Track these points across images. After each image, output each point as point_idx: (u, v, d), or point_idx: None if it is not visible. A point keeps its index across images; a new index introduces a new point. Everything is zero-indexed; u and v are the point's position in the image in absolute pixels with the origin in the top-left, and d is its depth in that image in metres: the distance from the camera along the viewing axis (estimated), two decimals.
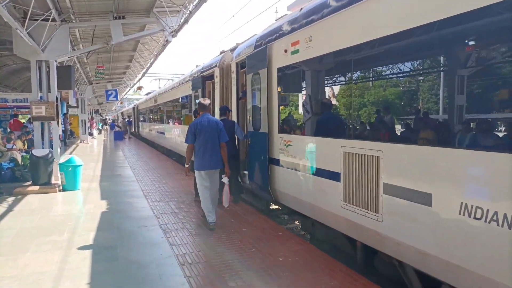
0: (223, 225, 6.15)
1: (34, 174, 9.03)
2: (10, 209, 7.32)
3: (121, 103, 46.53)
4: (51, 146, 9.75)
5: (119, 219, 6.55)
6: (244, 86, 8.38)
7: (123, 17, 10.05)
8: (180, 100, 14.85)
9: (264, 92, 6.48)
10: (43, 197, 8.39)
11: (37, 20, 8.52)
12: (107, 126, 41.93)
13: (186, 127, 13.20)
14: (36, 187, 8.84)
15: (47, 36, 9.08)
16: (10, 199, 8.17)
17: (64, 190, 9.07)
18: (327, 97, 5.05)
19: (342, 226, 4.67)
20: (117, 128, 36.71)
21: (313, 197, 5.21)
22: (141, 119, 31.34)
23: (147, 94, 41.80)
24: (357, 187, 4.26)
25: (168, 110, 18.42)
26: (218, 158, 6.07)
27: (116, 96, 24.62)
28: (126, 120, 38.25)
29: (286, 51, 5.73)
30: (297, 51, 5.47)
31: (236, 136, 7.54)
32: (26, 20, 7.77)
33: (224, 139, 6.08)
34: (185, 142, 6.18)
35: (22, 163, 11.21)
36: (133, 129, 36.84)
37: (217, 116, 9.53)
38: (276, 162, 6.20)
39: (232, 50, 9.89)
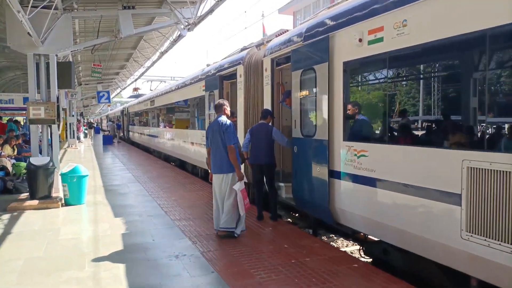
0: (278, 250, 5.05)
1: (32, 185, 7.74)
2: (7, 231, 6.05)
3: (108, 105, 44.77)
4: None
5: (146, 244, 5.38)
6: (281, 85, 7.35)
7: (133, 7, 8.87)
8: (187, 102, 13.67)
9: (322, 91, 5.44)
10: (44, 214, 7.12)
11: (37, 7, 7.27)
12: (92, 130, 40.12)
13: (198, 132, 12.20)
14: (35, 202, 7.56)
15: (48, 26, 7.85)
16: (5, 217, 6.88)
17: (67, 204, 7.81)
18: (435, 95, 4.04)
19: (460, 261, 3.65)
20: (106, 132, 35.01)
21: (406, 223, 4.17)
22: (132, 122, 29.86)
23: (133, 96, 40.18)
24: (491, 213, 3.25)
25: (170, 113, 17.19)
26: (222, 161, 5.60)
27: (108, 98, 23.18)
28: (115, 123, 36.58)
29: (360, 40, 4.71)
30: (379, 40, 4.46)
31: (270, 143, 6.53)
32: (28, 7, 6.52)
33: (228, 142, 5.46)
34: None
35: (14, 172, 9.86)
36: (122, 133, 35.24)
37: (242, 119, 8.46)
38: (341, 176, 5.16)
39: (258, 45, 8.85)
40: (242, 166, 7.03)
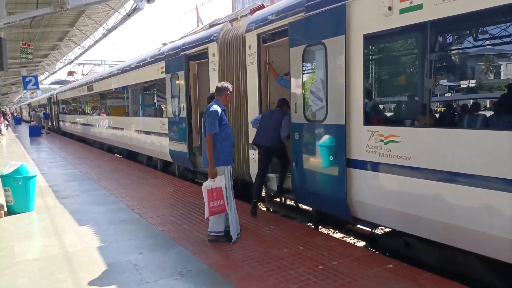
0: (295, 254, 4.35)
1: None
2: None
3: (32, 93, 40.01)
4: None
5: (136, 260, 4.36)
6: (268, 64, 6.56)
7: None
8: (140, 87, 12.24)
9: (335, 69, 4.75)
10: None
11: None
12: (6, 121, 35.05)
13: (156, 120, 10.89)
14: None
15: None
16: None
17: (11, 212, 6.37)
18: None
19: None
20: (33, 123, 31.29)
21: (453, 216, 3.69)
22: (64, 111, 26.95)
23: (57, 82, 36.04)
24: None
25: (116, 99, 15.47)
26: (203, 153, 5.07)
27: (36, 83, 20.42)
28: (42, 112, 32.84)
29: (390, 8, 4.07)
30: (417, 7, 3.85)
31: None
32: None
33: (206, 131, 4.91)
34: None
35: None
36: (51, 123, 31.76)
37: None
38: (361, 165, 4.56)
39: (232, 21, 7.92)
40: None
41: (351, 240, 6.29)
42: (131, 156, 14.20)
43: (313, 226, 5.94)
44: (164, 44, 10.82)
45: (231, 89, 5.12)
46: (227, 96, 5.09)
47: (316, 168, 5.17)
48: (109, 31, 12.06)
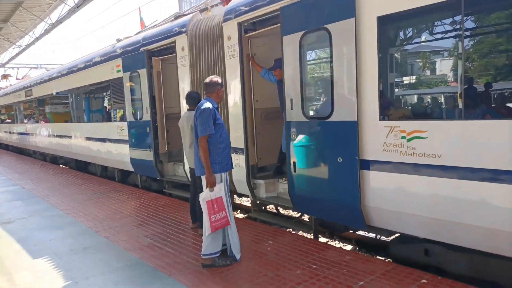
0: (313, 276, 3.66)
1: None
2: None
3: None
4: None
5: None
6: (251, 57, 5.83)
7: None
8: (91, 88, 10.95)
9: (343, 58, 4.14)
10: None
11: None
12: None
13: (113, 126, 9.64)
14: None
15: None
16: None
17: None
18: None
19: None
20: None
21: (501, 220, 3.21)
22: None
23: None
24: None
25: (61, 104, 13.89)
26: (198, 160, 4.27)
27: None
28: None
29: None
30: None
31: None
32: None
33: (198, 132, 4.16)
34: None
35: None
36: None
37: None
38: (379, 166, 3.98)
39: (202, 11, 7.09)
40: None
41: (336, 243, 5.73)
42: (80, 166, 12.77)
43: (312, 237, 5.30)
44: (119, 40, 9.69)
45: (221, 83, 4.35)
46: (219, 92, 4.32)
47: (320, 173, 4.53)
48: (53, 26, 10.59)
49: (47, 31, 11.16)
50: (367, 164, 4.07)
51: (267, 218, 6.01)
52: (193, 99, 5.28)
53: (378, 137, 3.94)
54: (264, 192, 5.79)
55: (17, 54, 15.42)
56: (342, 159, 4.25)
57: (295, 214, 6.80)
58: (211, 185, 4.11)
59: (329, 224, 5.34)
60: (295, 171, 4.86)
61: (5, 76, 21.15)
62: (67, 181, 9.95)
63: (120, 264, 4.26)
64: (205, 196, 4.12)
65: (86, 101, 11.89)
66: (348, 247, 5.74)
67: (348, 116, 4.14)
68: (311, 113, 4.62)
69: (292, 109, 4.82)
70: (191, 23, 6.74)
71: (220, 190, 4.16)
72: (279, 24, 5.00)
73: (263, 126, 6.08)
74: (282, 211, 7.03)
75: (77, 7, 9.12)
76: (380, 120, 3.92)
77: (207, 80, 4.37)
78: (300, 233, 5.53)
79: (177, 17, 7.67)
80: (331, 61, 4.26)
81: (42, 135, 15.20)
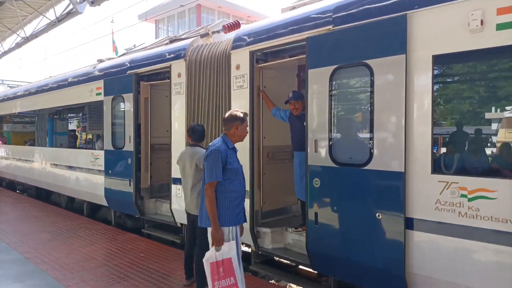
0: None
1: None
2: None
3: None
4: None
5: None
6: (261, 91, 5.24)
7: None
8: (63, 111, 9.91)
9: (388, 99, 3.60)
10: None
11: None
12: None
13: (86, 154, 8.57)
14: None
15: None
16: None
17: None
18: None
19: None
20: None
21: None
22: None
23: None
24: None
25: (22, 124, 12.63)
26: (202, 208, 3.69)
27: None
28: None
29: (482, 22, 3.09)
30: None
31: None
32: None
33: (206, 178, 3.54)
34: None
35: None
36: None
37: (181, 138, 5.94)
38: (430, 227, 3.39)
39: (203, 36, 6.48)
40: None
41: None
42: (41, 194, 11.42)
43: None
44: (100, 61, 8.85)
45: (242, 117, 3.68)
46: (237, 129, 3.64)
47: (352, 229, 3.87)
48: (27, 39, 9.56)
49: (18, 45, 10.10)
50: (415, 224, 3.47)
51: (275, 274, 5.22)
52: (198, 132, 4.58)
53: (430, 193, 3.38)
54: (269, 243, 5.05)
55: None
56: (382, 216, 3.63)
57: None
58: (218, 242, 3.38)
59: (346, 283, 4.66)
60: (316, 223, 4.18)
61: None
62: (26, 214, 8.68)
63: None
64: (209, 256, 3.39)
65: (54, 123, 10.78)
66: None
67: (392, 166, 3.57)
68: (342, 158, 4.00)
69: (316, 151, 4.20)
70: (191, 48, 6.11)
71: (230, 250, 3.43)
72: (303, 56, 4.48)
73: (269, 166, 5.41)
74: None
75: (58, 21, 8.23)
76: (433, 173, 3.37)
77: (226, 114, 3.74)
78: None
79: (172, 40, 7.01)
80: (371, 101, 3.72)
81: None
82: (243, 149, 5.13)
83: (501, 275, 3.05)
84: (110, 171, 7.60)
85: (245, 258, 6.58)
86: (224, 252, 3.37)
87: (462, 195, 3.21)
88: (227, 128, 3.66)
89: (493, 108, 3.31)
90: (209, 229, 3.52)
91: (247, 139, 5.07)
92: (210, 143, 3.64)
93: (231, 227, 3.50)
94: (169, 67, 6.36)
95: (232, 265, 3.38)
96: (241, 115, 3.69)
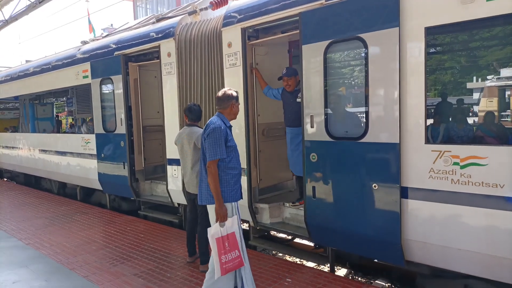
0: None
1: None
2: None
3: None
4: None
5: None
6: (254, 69, 5.24)
7: None
8: (42, 96, 9.72)
9: (382, 72, 3.67)
10: None
11: None
12: None
13: (75, 138, 8.47)
14: None
15: None
16: None
17: None
18: None
19: None
20: None
21: None
22: None
23: None
24: None
25: (6, 111, 12.36)
26: (203, 186, 3.66)
27: None
28: None
29: None
30: None
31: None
32: None
33: (208, 156, 3.55)
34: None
35: None
36: None
37: (173, 118, 5.96)
38: (424, 195, 3.53)
39: (192, 13, 6.38)
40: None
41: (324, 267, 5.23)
42: (30, 181, 11.32)
43: (328, 269, 4.75)
44: (85, 43, 8.64)
45: (237, 96, 3.72)
46: (233, 107, 3.69)
47: (349, 200, 4.00)
48: (6, 22, 9.23)
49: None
50: (410, 193, 3.61)
51: (273, 247, 5.37)
52: (195, 112, 4.59)
53: (424, 163, 3.50)
54: (268, 218, 5.18)
55: None
56: (378, 186, 3.76)
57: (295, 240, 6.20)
58: (223, 218, 3.47)
59: (343, 253, 4.85)
60: (314, 197, 4.31)
61: None
62: (19, 201, 8.63)
63: None
64: (214, 232, 3.46)
65: (39, 108, 10.60)
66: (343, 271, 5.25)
67: (387, 137, 3.67)
68: (338, 132, 4.09)
69: (312, 127, 4.28)
70: (180, 26, 6.03)
71: (232, 224, 3.54)
72: (295, 32, 4.50)
73: (264, 144, 5.48)
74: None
75: (39, 2, 7.95)
76: (426, 143, 3.49)
77: (220, 93, 3.73)
78: (313, 265, 4.97)
79: (159, 19, 6.88)
80: (366, 74, 3.78)
81: None
82: (239, 127, 5.19)
83: (491, 237, 3.22)
84: (102, 155, 7.57)
85: (243, 234, 6.73)
86: (228, 227, 3.47)
87: (455, 163, 3.35)
88: (223, 107, 3.68)
89: (483, 78, 3.42)
90: (211, 206, 3.60)
91: (242, 117, 5.14)
92: (208, 122, 3.66)
93: (233, 203, 3.59)
94: (158, 46, 6.27)
95: (236, 239, 3.49)
96: (235, 93, 3.73)
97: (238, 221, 3.64)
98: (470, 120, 3.56)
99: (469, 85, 3.48)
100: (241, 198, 3.75)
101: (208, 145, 3.51)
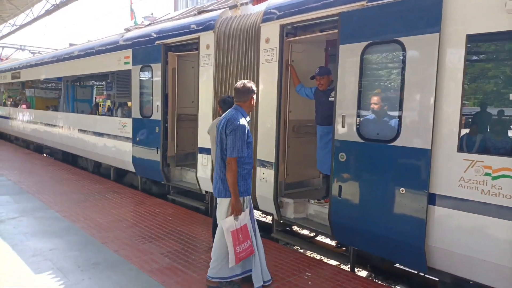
0: None
1: None
2: None
3: None
4: None
5: None
6: (290, 65, 5.31)
7: None
8: (91, 79, 10.19)
9: (417, 75, 3.66)
10: None
11: None
12: None
13: (114, 121, 8.89)
14: None
15: None
16: None
17: None
18: None
19: None
20: None
21: None
22: None
23: None
24: None
25: (54, 91, 13.01)
26: (217, 179, 3.73)
27: None
28: None
29: None
30: None
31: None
32: None
33: (229, 152, 3.59)
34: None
35: None
36: None
37: (207, 109, 6.12)
38: (452, 203, 3.51)
39: (232, 7, 6.52)
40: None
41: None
42: (68, 159, 11.91)
43: (348, 269, 4.80)
44: (128, 30, 8.99)
45: (255, 90, 3.84)
46: (252, 101, 3.82)
47: (375, 203, 4.03)
48: (57, 6, 9.74)
49: (48, 12, 10.27)
50: (437, 200, 3.60)
51: (295, 242, 5.47)
52: (229, 104, 4.69)
53: (454, 171, 3.48)
54: (292, 213, 5.27)
55: (9, 33, 14.31)
56: (405, 190, 3.77)
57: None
58: (238, 212, 3.61)
59: (365, 255, 4.88)
60: (340, 196, 4.36)
61: None
62: (58, 176, 9.13)
63: None
64: (229, 225, 3.60)
65: (83, 90, 11.12)
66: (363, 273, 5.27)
67: (419, 143, 3.67)
68: (369, 133, 4.12)
69: (343, 126, 4.32)
70: (220, 19, 6.17)
71: (245, 217, 3.70)
72: (334, 31, 4.54)
73: (294, 140, 5.57)
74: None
75: None
76: (458, 151, 3.47)
77: (239, 85, 3.78)
78: (334, 263, 5.02)
79: (200, 11, 7.07)
80: (402, 78, 3.79)
81: (30, 122, 14.18)
82: (270, 122, 5.30)
83: None
84: (137, 139, 7.89)
85: (262, 227, 6.86)
86: (241, 220, 3.62)
87: (486, 174, 3.31)
88: (243, 100, 3.74)
89: None
90: (221, 200, 3.71)
91: (274, 112, 5.24)
92: (229, 116, 3.67)
93: (246, 197, 3.72)
94: (198, 38, 6.46)
95: (248, 231, 3.66)
96: (255, 87, 3.84)
97: (251, 213, 3.78)
98: (509, 133, 3.49)
99: (506, 97, 3.42)
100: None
101: (231, 141, 3.55)
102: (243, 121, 3.64)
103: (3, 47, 25.00)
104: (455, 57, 3.45)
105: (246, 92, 3.75)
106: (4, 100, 17.43)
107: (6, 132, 17.22)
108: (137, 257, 4.43)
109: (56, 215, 5.94)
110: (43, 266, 4.09)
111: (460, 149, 3.46)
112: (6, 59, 22.84)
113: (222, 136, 3.66)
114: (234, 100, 3.89)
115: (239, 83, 3.81)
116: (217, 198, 3.78)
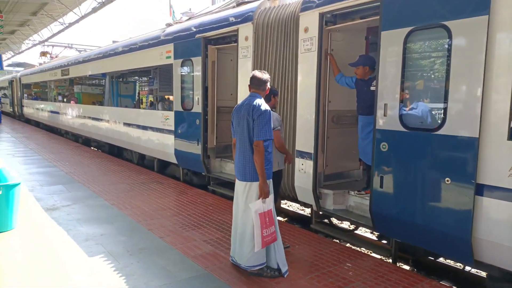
0: None
1: None
2: None
3: None
4: None
5: None
6: (329, 55, 5.26)
7: None
8: (134, 73, 10.58)
9: (464, 61, 3.52)
10: None
11: None
12: None
13: (157, 114, 9.26)
14: None
15: None
16: None
17: None
18: None
19: None
20: None
21: None
22: (30, 96, 24.26)
23: (15, 64, 32.09)
24: None
25: (99, 86, 13.63)
26: (245, 163, 3.79)
27: (0, 63, 17.98)
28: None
29: None
30: None
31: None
32: None
33: (256, 135, 3.69)
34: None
35: None
36: (12, 108, 28.75)
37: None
38: (501, 194, 3.37)
39: None
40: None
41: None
42: (113, 151, 12.48)
43: (390, 261, 4.73)
44: (169, 25, 9.24)
45: (269, 79, 4.01)
46: (267, 90, 4.01)
47: (418, 193, 3.94)
48: (103, 4, 10.19)
49: (94, 10, 10.76)
50: (485, 190, 3.47)
51: (334, 234, 5.46)
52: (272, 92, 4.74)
53: (504, 160, 3.33)
54: (331, 204, 5.25)
55: (59, 32, 15.14)
56: (451, 181, 3.65)
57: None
58: (266, 194, 3.69)
59: (407, 249, 4.78)
60: (381, 187, 4.29)
61: (44, 53, 21.11)
62: (105, 167, 9.61)
63: (186, 275, 3.79)
64: (258, 207, 3.67)
65: (128, 85, 11.56)
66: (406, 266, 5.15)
67: (466, 131, 3.54)
68: (412, 122, 4.02)
69: (385, 115, 4.23)
70: (259, 11, 6.21)
71: (271, 201, 3.77)
72: (375, 18, 4.44)
73: (333, 130, 5.52)
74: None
75: None
76: (509, 139, 3.31)
77: (258, 74, 3.94)
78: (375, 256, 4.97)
79: (239, 3, 7.13)
80: (448, 63, 3.65)
81: (76, 116, 14.99)
82: (309, 112, 5.29)
83: None
84: (179, 131, 8.13)
85: (300, 220, 6.83)
86: (268, 203, 3.69)
87: None
88: (262, 88, 3.92)
89: None
90: (240, 184, 3.83)
91: (313, 102, 5.22)
92: (253, 103, 3.74)
93: (269, 180, 3.78)
94: (237, 30, 6.53)
95: (273, 216, 3.73)
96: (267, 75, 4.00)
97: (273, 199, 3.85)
98: None
99: None
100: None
101: (258, 125, 3.66)
102: (267, 107, 3.78)
103: (53, 46, 26.44)
104: (506, 42, 3.28)
105: (264, 82, 3.94)
106: (55, 96, 18.49)
107: (57, 127, 18.30)
108: (181, 244, 4.61)
109: (105, 203, 6.28)
110: (95, 250, 4.37)
111: (511, 137, 3.30)
112: (56, 56, 24.21)
113: (249, 121, 3.74)
114: (251, 86, 3.96)
115: (256, 72, 3.98)
116: (242, 183, 3.82)
